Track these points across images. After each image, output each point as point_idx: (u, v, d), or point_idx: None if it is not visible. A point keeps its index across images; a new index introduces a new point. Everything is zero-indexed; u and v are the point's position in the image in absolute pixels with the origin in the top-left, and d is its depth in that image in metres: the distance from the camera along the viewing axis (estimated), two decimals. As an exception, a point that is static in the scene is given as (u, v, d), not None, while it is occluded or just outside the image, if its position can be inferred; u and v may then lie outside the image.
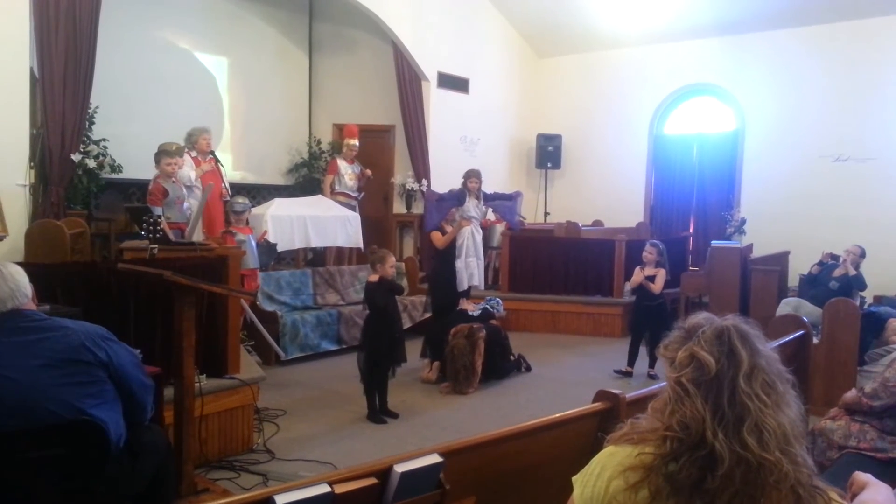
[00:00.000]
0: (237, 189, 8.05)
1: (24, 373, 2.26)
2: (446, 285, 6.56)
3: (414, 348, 6.13)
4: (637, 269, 6.42)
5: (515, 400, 5.68)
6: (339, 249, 8.28)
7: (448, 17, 10.17)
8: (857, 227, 8.56)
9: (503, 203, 7.46)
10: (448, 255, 6.56)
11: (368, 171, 8.71)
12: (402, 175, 10.14)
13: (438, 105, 10.14)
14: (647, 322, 6.28)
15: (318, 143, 10.29)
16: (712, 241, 8.55)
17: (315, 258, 8.54)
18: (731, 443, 1.23)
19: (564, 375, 6.45)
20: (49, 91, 6.46)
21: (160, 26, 8.59)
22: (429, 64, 9.91)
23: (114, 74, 7.62)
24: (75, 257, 5.82)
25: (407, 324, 7.13)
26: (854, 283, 7.00)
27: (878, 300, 7.55)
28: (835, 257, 7.49)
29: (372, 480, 1.84)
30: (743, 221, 9.50)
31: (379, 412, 5.03)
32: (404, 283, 8.27)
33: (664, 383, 1.38)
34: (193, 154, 6.78)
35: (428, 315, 7.47)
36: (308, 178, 10.02)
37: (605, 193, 11.03)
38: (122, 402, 2.48)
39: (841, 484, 1.45)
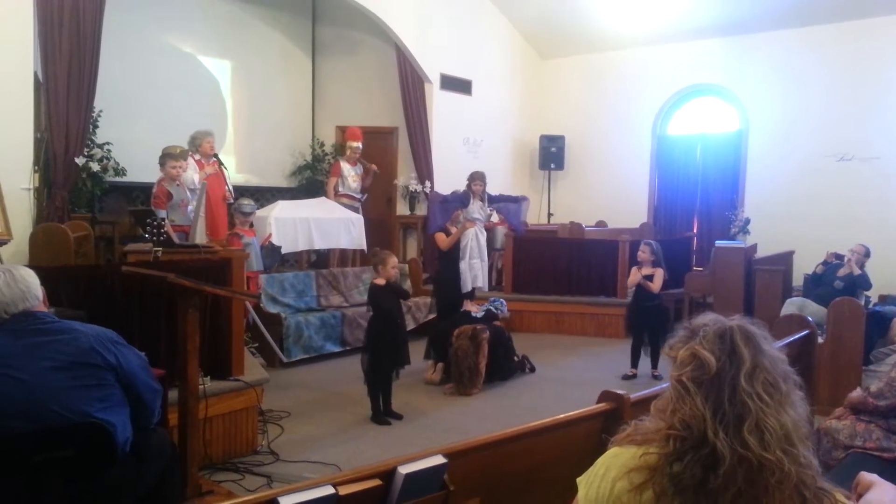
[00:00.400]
0: (241, 192, 8.07)
1: (33, 374, 2.27)
2: (450, 286, 6.57)
3: (418, 350, 6.12)
4: (633, 268, 6.40)
5: (519, 401, 5.68)
6: (343, 251, 8.29)
7: (451, 18, 10.18)
8: (862, 226, 8.53)
9: (508, 205, 7.46)
10: (452, 256, 6.57)
11: (374, 167, 8.71)
12: (405, 177, 10.14)
13: (441, 107, 10.15)
14: (646, 322, 6.27)
15: (322, 145, 10.30)
16: (716, 241, 8.54)
17: (318, 260, 8.55)
18: (731, 442, 1.23)
19: (568, 376, 6.44)
20: (53, 95, 6.48)
21: (163, 30, 8.62)
22: (431, 66, 9.92)
23: (117, 78, 7.63)
24: (79, 260, 5.84)
25: (411, 325, 7.14)
26: (859, 283, 6.98)
27: (883, 299, 7.53)
28: (839, 257, 7.47)
29: (376, 482, 1.84)
30: (747, 221, 9.48)
31: (383, 413, 5.04)
32: (408, 284, 8.28)
33: (668, 384, 1.37)
34: (197, 157, 6.79)
35: (432, 316, 7.47)
36: (311, 181, 10.04)
37: (609, 194, 11.02)
38: (130, 406, 2.49)
39: (847, 484, 1.44)
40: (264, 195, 9.44)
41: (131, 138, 7.66)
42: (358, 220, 8.10)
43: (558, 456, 2.27)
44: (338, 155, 9.12)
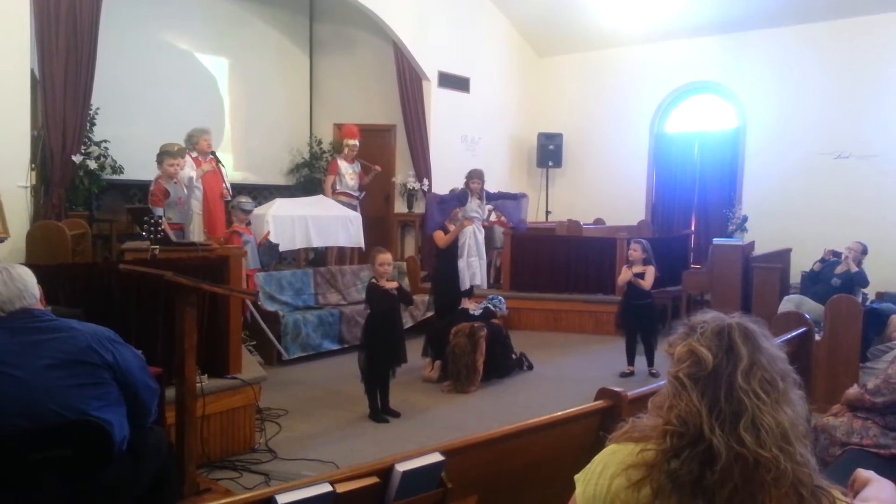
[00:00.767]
0: (238, 189, 8.05)
1: (30, 372, 2.27)
2: (448, 284, 6.57)
3: (415, 347, 6.13)
4: (624, 267, 6.39)
5: (517, 398, 5.68)
6: (341, 249, 8.28)
7: (448, 16, 10.16)
8: (859, 223, 8.54)
9: (507, 203, 7.45)
10: (450, 254, 6.57)
11: (377, 167, 8.70)
12: (403, 174, 10.13)
13: (439, 104, 10.14)
14: (637, 321, 6.27)
15: (319, 143, 10.29)
16: (714, 239, 8.54)
17: (316, 258, 8.54)
18: (727, 439, 1.23)
19: (566, 374, 6.45)
20: (50, 92, 6.46)
21: (161, 27, 8.60)
22: (429, 63, 9.91)
23: (114, 76, 7.62)
24: (77, 258, 5.82)
25: (408, 323, 7.14)
26: (856, 280, 6.99)
27: (881, 296, 7.55)
28: (837, 254, 7.48)
29: (373, 479, 1.84)
30: (744, 219, 9.49)
31: (380, 411, 5.04)
32: (406, 282, 8.27)
33: (665, 381, 1.37)
34: (194, 155, 6.79)
35: (430, 314, 7.47)
36: (309, 179, 10.03)
37: (607, 192, 11.03)
38: (127, 405, 2.48)
39: (843, 481, 1.44)
40: (262, 193, 9.43)
41: (128, 136, 7.64)
42: (356, 217, 8.09)
43: (556, 453, 2.27)
44: (335, 153, 9.10)
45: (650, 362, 6.30)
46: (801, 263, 8.21)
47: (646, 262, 6.22)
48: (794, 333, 3.90)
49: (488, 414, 5.20)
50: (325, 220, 7.76)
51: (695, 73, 10.47)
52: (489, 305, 6.60)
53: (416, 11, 9.62)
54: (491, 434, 2.17)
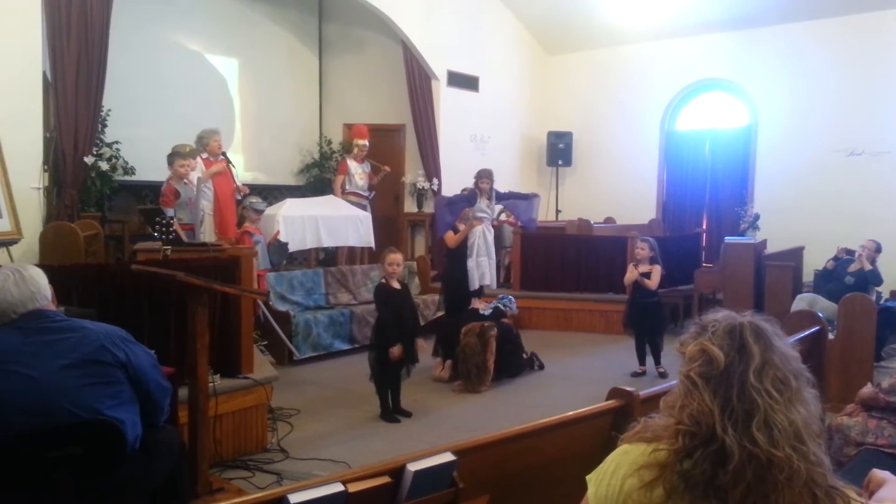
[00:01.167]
0: (248, 190, 8.07)
1: (44, 372, 2.29)
2: (458, 284, 6.57)
3: (426, 348, 6.12)
4: (630, 265, 6.34)
5: (528, 398, 5.67)
6: (351, 249, 8.30)
7: (457, 15, 10.16)
8: (873, 221, 8.46)
9: (517, 203, 7.43)
10: (460, 254, 6.57)
11: (387, 168, 8.71)
12: (412, 174, 10.14)
13: (448, 103, 10.13)
14: (643, 319, 6.23)
15: (329, 143, 10.31)
16: (726, 238, 8.49)
17: (327, 258, 8.56)
18: (740, 438, 1.22)
19: (577, 373, 6.43)
20: (62, 95, 6.51)
21: (171, 29, 8.64)
22: (438, 62, 9.90)
23: (125, 77, 7.67)
24: (89, 259, 5.86)
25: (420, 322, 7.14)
26: (870, 278, 6.93)
27: (895, 295, 7.48)
28: (850, 252, 7.42)
29: (385, 479, 1.84)
30: (756, 217, 9.42)
31: (392, 411, 5.04)
32: (416, 282, 8.29)
33: (677, 380, 1.37)
34: (205, 156, 6.81)
35: (440, 314, 7.47)
36: (319, 179, 10.05)
37: (617, 190, 10.99)
38: (140, 404, 2.50)
39: (858, 481, 1.43)
40: (272, 193, 9.46)
41: (140, 137, 7.69)
42: (366, 217, 8.10)
43: (568, 453, 2.26)
44: (345, 153, 9.12)
45: (657, 361, 6.26)
46: (814, 262, 8.15)
47: (653, 261, 6.18)
48: (807, 332, 3.87)
49: (500, 414, 5.20)
50: (336, 220, 7.77)
51: (705, 70, 10.41)
52: (499, 305, 6.59)
53: (424, 11, 9.62)
54: (502, 434, 2.17)
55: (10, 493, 2.24)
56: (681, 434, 1.27)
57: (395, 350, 4.91)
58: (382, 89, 10.24)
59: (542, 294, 8.50)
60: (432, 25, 9.73)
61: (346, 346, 6.94)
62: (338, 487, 1.72)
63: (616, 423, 2.35)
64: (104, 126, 7.31)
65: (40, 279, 2.44)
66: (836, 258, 7.51)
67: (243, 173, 8.73)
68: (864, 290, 6.47)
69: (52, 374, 2.29)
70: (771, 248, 8.50)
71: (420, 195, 10.05)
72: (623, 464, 1.34)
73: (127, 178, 7.65)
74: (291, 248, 7.29)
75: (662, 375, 6.12)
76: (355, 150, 8.53)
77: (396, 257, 5.14)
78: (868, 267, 6.96)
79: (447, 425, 4.93)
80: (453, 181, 9.45)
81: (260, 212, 6.73)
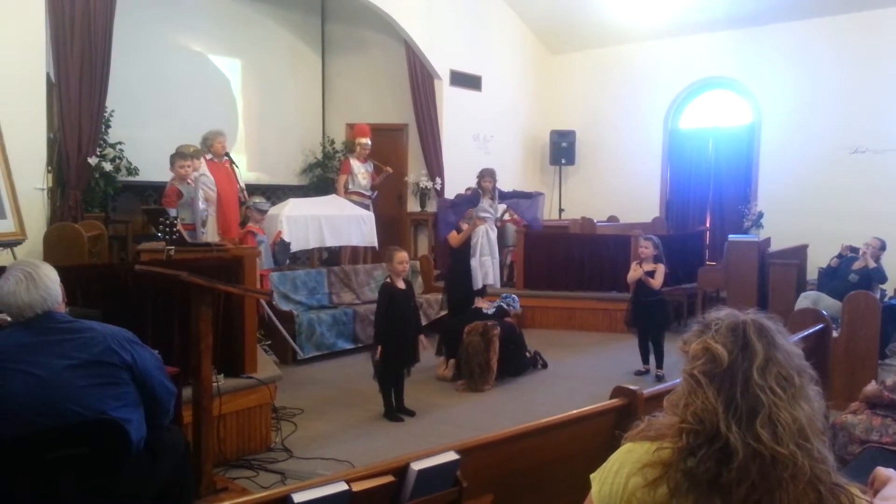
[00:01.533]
0: (252, 190, 8.10)
1: (50, 372, 2.30)
2: (461, 283, 6.57)
3: (430, 347, 6.13)
4: (634, 264, 6.29)
5: (532, 397, 5.67)
6: (354, 248, 8.31)
7: (460, 14, 10.16)
8: (877, 219, 8.45)
9: (520, 202, 7.41)
10: (463, 253, 6.57)
11: (389, 168, 8.72)
12: (415, 174, 10.14)
13: (451, 103, 10.14)
14: (646, 318, 6.18)
15: (332, 142, 10.32)
16: (729, 236, 8.48)
17: (330, 258, 8.57)
18: (744, 435, 1.22)
19: (581, 372, 6.43)
20: (65, 96, 6.53)
21: (174, 30, 8.66)
22: (441, 62, 9.90)
23: (129, 78, 7.68)
24: (93, 259, 5.88)
25: (422, 321, 7.13)
26: (874, 276, 6.91)
27: (899, 293, 7.46)
28: (854, 250, 7.40)
29: (389, 478, 1.84)
30: (760, 215, 9.41)
31: (395, 410, 5.05)
32: (419, 281, 8.29)
33: (681, 379, 1.37)
34: (209, 157, 6.82)
35: (443, 313, 7.47)
36: (322, 178, 10.06)
37: (620, 189, 10.98)
38: (145, 405, 2.51)
39: (863, 479, 1.43)
40: (275, 193, 9.46)
41: (143, 138, 7.70)
42: (369, 217, 8.11)
43: (571, 452, 2.26)
44: (348, 152, 9.13)
45: (658, 364, 6.19)
46: (818, 259, 8.14)
47: (657, 260, 6.13)
48: (811, 330, 3.87)
49: (503, 413, 5.20)
50: (339, 220, 7.78)
51: (708, 68, 10.40)
52: (502, 304, 6.59)
53: (427, 10, 9.62)
54: (506, 433, 2.17)
55: (16, 492, 2.25)
56: (684, 432, 1.27)
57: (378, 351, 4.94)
58: (385, 89, 10.24)
59: (545, 293, 8.49)
60: (435, 25, 9.73)
61: (349, 346, 6.94)
62: (341, 486, 1.72)
63: (619, 421, 2.34)
64: (108, 127, 7.33)
65: (51, 284, 2.43)
66: (840, 256, 7.49)
67: (246, 173, 8.74)
68: (869, 288, 6.45)
69: (57, 373, 2.30)
70: (775, 246, 8.49)
71: (423, 194, 10.06)
72: (627, 462, 1.34)
73: (130, 178, 7.67)
74: (295, 247, 7.30)
75: (659, 378, 6.03)
76: (358, 150, 8.53)
77: (405, 256, 5.16)
78: (872, 264, 6.94)
79: (451, 424, 4.93)
80: (456, 180, 9.44)
81: (264, 212, 6.74)
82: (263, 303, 5.95)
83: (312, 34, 10.29)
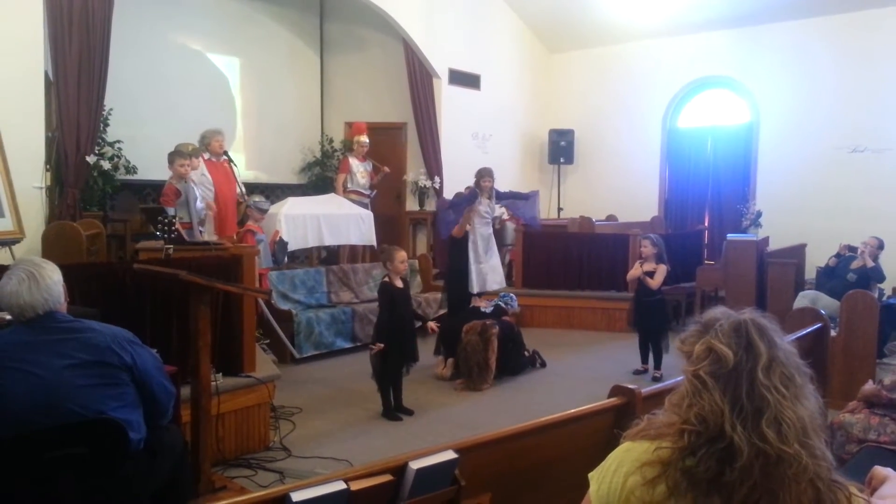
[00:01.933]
0: (251, 189, 8.09)
1: (50, 371, 2.29)
2: (459, 283, 6.57)
3: (427, 345, 6.13)
4: (637, 263, 6.27)
5: (530, 396, 5.67)
6: (353, 247, 8.31)
7: (459, 13, 10.15)
8: (875, 218, 8.45)
9: (516, 202, 7.37)
10: (461, 253, 6.57)
11: (386, 168, 8.72)
12: (414, 172, 10.14)
13: (450, 102, 10.13)
14: (645, 318, 6.16)
15: (331, 141, 10.31)
16: (728, 235, 8.48)
17: (329, 256, 8.57)
18: (749, 435, 1.22)
19: (579, 371, 6.43)
20: (64, 94, 6.52)
21: (172, 28, 8.64)
22: (440, 61, 9.90)
23: (127, 76, 7.67)
24: (91, 258, 5.87)
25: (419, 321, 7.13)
26: (872, 275, 6.92)
27: (897, 292, 7.47)
28: (852, 249, 7.40)
29: (387, 477, 1.84)
30: (759, 214, 9.40)
31: (394, 409, 5.05)
32: (417, 280, 8.29)
33: (680, 378, 1.37)
34: (207, 156, 6.81)
35: (442, 312, 7.48)
36: (321, 177, 10.05)
37: (619, 188, 10.98)
38: (144, 406, 2.50)
39: (860, 478, 1.43)
40: (274, 192, 9.46)
41: (142, 136, 7.70)
42: (367, 216, 8.11)
43: (570, 451, 2.26)
44: (347, 151, 9.12)
45: (657, 365, 6.16)
46: (817, 259, 8.14)
47: (658, 259, 6.09)
48: (809, 329, 3.87)
49: (501, 412, 5.20)
50: (338, 219, 7.78)
51: (707, 67, 10.40)
52: (500, 303, 6.59)
53: (426, 9, 9.62)
54: (504, 432, 2.17)
55: (15, 492, 2.25)
56: (686, 433, 1.27)
57: (379, 346, 4.93)
58: (384, 88, 10.24)
59: (543, 292, 8.49)
60: (434, 24, 9.72)
61: (348, 345, 6.94)
62: (340, 485, 1.72)
63: (618, 420, 2.35)
64: (106, 125, 7.33)
65: (53, 284, 2.42)
66: (838, 255, 7.49)
67: (245, 172, 8.73)
68: (867, 287, 6.45)
69: (57, 373, 2.30)
70: (773, 246, 8.49)
71: (422, 193, 10.06)
72: (625, 461, 1.34)
73: (129, 177, 7.66)
74: (293, 246, 7.30)
75: (656, 380, 5.97)
76: (356, 148, 8.53)
77: (405, 255, 5.18)
78: (870, 264, 6.95)
79: (449, 423, 4.93)
80: (455, 179, 9.44)
81: (264, 211, 6.74)
82: (261, 302, 5.94)
83: (311, 33, 10.28)
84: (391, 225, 9.94)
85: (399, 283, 5.15)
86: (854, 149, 9.13)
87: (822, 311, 4.73)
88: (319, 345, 6.69)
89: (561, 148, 11.27)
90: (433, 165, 9.92)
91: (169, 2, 8.49)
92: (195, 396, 3.37)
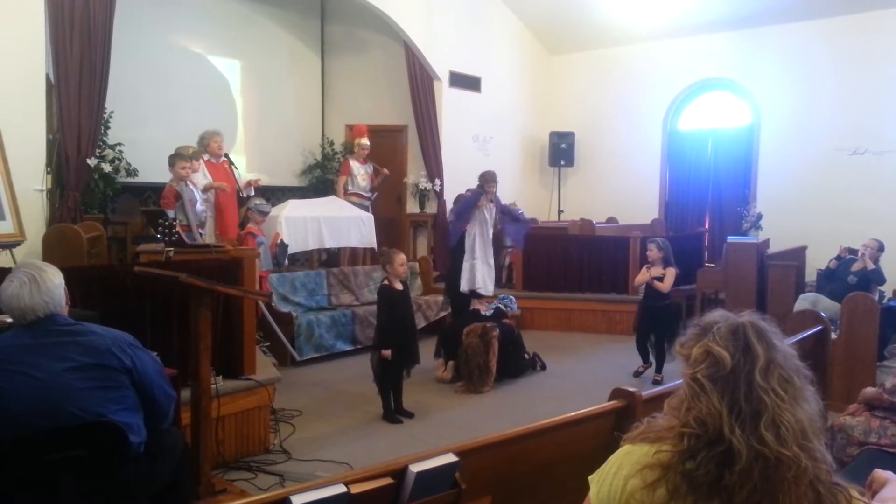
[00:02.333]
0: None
1: (49, 374, 2.29)
2: (460, 283, 6.58)
3: (428, 348, 6.13)
4: (643, 268, 6.16)
5: (531, 399, 5.67)
6: (353, 250, 8.30)
7: (459, 15, 10.16)
8: (875, 220, 8.45)
9: (507, 227, 7.28)
10: (463, 251, 6.57)
11: (385, 171, 8.72)
12: (415, 175, 10.14)
13: (450, 104, 10.14)
14: (653, 324, 6.05)
15: (331, 144, 10.32)
16: (728, 237, 8.48)
17: (329, 259, 8.57)
18: (748, 438, 1.22)
19: (579, 374, 6.43)
20: (65, 97, 6.52)
21: (173, 31, 8.65)
22: (440, 63, 9.91)
23: (128, 79, 7.67)
24: (92, 261, 5.87)
25: (421, 323, 7.14)
26: (872, 278, 6.91)
27: (898, 294, 7.47)
28: (853, 251, 7.40)
29: (388, 480, 1.84)
30: (759, 216, 9.41)
31: (394, 412, 5.04)
32: (418, 283, 8.29)
33: (680, 381, 1.37)
34: (206, 157, 6.81)
35: (443, 314, 7.50)
36: (321, 180, 10.06)
37: (619, 190, 10.98)
38: (144, 409, 2.50)
39: (861, 481, 1.43)
40: (274, 194, 9.45)
41: (142, 139, 7.70)
42: (368, 218, 8.11)
43: (570, 454, 2.26)
44: (347, 153, 9.13)
45: (658, 369, 6.10)
46: (817, 261, 8.14)
47: (666, 263, 5.98)
48: (810, 332, 3.87)
49: (502, 414, 5.20)
50: (338, 221, 7.78)
51: (708, 69, 10.40)
52: (500, 305, 6.59)
53: (426, 11, 9.63)
54: (505, 434, 2.17)
55: (15, 494, 2.25)
56: (685, 436, 1.27)
57: (388, 353, 4.93)
58: (384, 90, 10.25)
59: (544, 294, 8.49)
60: (434, 26, 9.73)
61: (348, 347, 6.94)
62: (340, 489, 1.72)
63: (618, 423, 2.34)
64: (107, 128, 7.33)
65: (54, 287, 2.42)
66: (838, 257, 7.49)
67: (245, 174, 8.70)
68: (867, 290, 6.45)
69: (57, 376, 2.29)
70: (773, 248, 8.49)
71: (422, 196, 10.06)
72: (626, 464, 1.34)
73: (130, 179, 7.66)
74: (294, 249, 7.31)
75: (657, 383, 5.90)
76: (357, 150, 8.53)
77: (404, 258, 5.19)
78: (871, 266, 6.94)
79: (449, 426, 4.93)
80: (455, 181, 9.44)
81: (265, 213, 6.75)
82: (262, 305, 5.94)
83: (312, 35, 10.29)
84: (392, 227, 9.95)
85: (398, 286, 5.15)
86: (854, 151, 9.13)
87: (823, 314, 4.72)
88: (320, 347, 6.69)
89: (561, 150, 11.28)
90: (434, 168, 9.93)
91: (170, 4, 8.50)
92: (195, 399, 3.37)
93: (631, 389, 2.46)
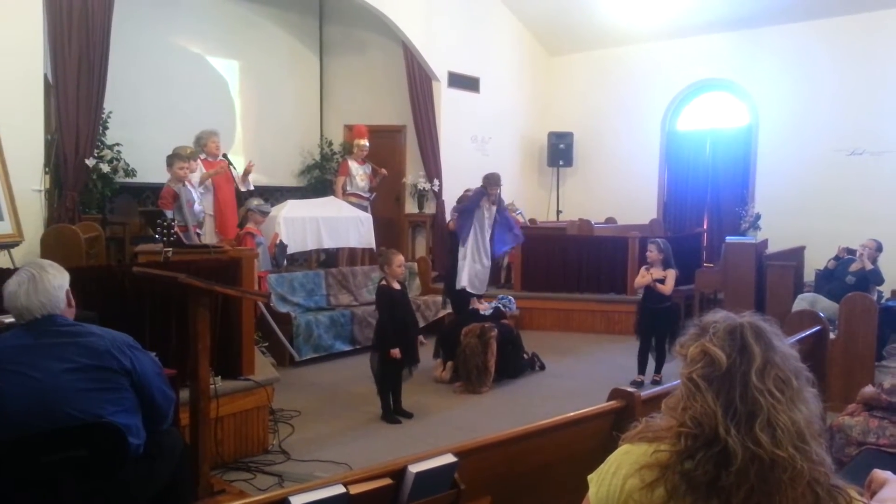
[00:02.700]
0: (250, 192, 8.07)
1: (48, 375, 2.29)
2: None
3: (427, 348, 6.13)
4: (643, 269, 6.08)
5: (530, 399, 5.67)
6: (352, 250, 8.30)
7: (458, 16, 10.16)
8: (874, 220, 8.45)
9: (502, 233, 7.24)
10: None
11: (384, 171, 8.71)
12: (413, 175, 10.14)
13: (449, 104, 10.13)
14: (654, 326, 6.00)
15: (330, 144, 10.32)
16: (727, 237, 8.49)
17: (328, 259, 8.57)
18: (743, 439, 1.22)
19: (578, 374, 6.43)
20: (63, 97, 6.51)
21: (172, 31, 8.65)
22: (439, 63, 9.91)
23: (127, 79, 7.67)
24: (90, 261, 5.86)
25: (420, 323, 7.13)
26: (871, 278, 6.92)
27: (896, 294, 7.47)
28: (851, 252, 7.41)
29: (387, 481, 1.84)
30: (757, 217, 9.42)
31: (393, 412, 5.04)
32: (416, 283, 8.29)
33: (678, 381, 1.37)
34: (203, 157, 6.81)
35: (442, 314, 7.50)
36: (320, 180, 10.06)
37: (618, 191, 10.99)
38: (143, 411, 2.50)
39: (860, 481, 1.43)
40: (273, 195, 9.45)
41: (141, 139, 7.69)
42: (367, 218, 8.11)
43: (569, 454, 2.26)
44: (346, 154, 9.13)
45: (658, 369, 6.08)
46: (816, 261, 8.15)
47: (666, 264, 5.93)
48: (808, 332, 3.87)
49: (501, 414, 5.20)
50: (337, 222, 7.78)
51: (706, 70, 10.41)
52: (499, 305, 6.59)
53: (425, 12, 9.63)
54: (504, 435, 2.17)
55: (14, 495, 2.24)
56: (682, 436, 1.27)
57: (396, 352, 4.93)
58: (383, 90, 10.24)
59: (542, 294, 8.50)
60: (433, 26, 9.73)
61: (347, 348, 6.94)
62: (339, 489, 1.72)
63: (617, 423, 2.34)
64: (105, 128, 7.32)
65: (53, 288, 2.41)
66: (837, 258, 7.50)
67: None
68: (866, 290, 6.46)
69: (56, 377, 2.29)
70: (772, 248, 8.50)
71: (421, 196, 10.06)
72: (624, 464, 1.34)
73: (128, 180, 7.66)
74: (293, 249, 7.31)
75: (656, 384, 5.89)
76: (356, 151, 8.53)
77: (402, 258, 5.19)
78: (869, 266, 6.95)
79: (448, 426, 4.93)
80: (454, 182, 9.44)
81: (265, 213, 6.76)
82: (261, 305, 5.94)
83: (310, 35, 10.29)
84: (390, 227, 9.95)
85: (396, 286, 5.15)
86: (853, 151, 9.14)
87: (821, 314, 4.73)
88: (318, 347, 6.69)
89: (560, 150, 11.28)
90: (432, 168, 9.92)
91: (169, 4, 8.50)
92: (194, 400, 3.37)
93: (629, 389, 2.46)
